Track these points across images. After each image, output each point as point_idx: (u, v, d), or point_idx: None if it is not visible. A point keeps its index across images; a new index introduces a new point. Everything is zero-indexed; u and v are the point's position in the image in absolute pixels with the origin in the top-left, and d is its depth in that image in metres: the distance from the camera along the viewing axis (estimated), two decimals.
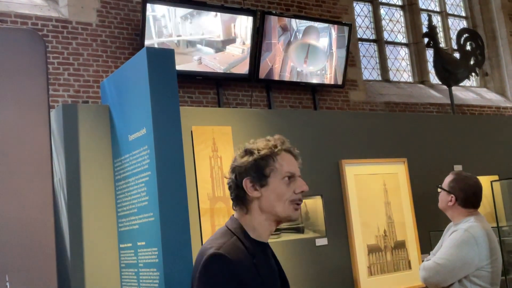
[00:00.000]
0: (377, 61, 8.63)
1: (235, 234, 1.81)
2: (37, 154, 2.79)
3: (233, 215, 1.92)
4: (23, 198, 2.72)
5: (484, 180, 3.41)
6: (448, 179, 3.08)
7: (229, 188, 1.88)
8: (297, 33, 6.88)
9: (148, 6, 5.74)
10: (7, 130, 2.76)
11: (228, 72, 6.37)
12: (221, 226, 3.48)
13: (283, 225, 3.80)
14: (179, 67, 5.85)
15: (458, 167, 4.75)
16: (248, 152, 1.85)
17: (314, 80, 7.01)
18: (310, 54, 6.94)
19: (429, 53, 8.73)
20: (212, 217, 3.52)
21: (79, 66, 5.65)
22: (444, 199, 3.07)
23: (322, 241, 4.02)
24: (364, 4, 8.69)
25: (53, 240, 2.74)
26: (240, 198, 1.84)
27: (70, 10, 5.72)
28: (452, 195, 3.02)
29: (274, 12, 6.79)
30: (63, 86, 5.54)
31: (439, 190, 3.12)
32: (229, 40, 6.40)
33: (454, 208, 3.04)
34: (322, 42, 7.07)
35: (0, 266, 2.61)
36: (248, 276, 1.72)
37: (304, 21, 6.98)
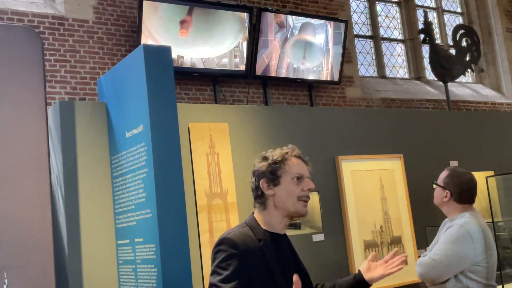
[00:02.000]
0: (373, 58, 8.64)
1: (247, 225, 2.13)
2: (35, 151, 2.80)
3: (252, 212, 2.22)
4: (21, 195, 2.73)
5: (480, 176, 3.43)
6: (443, 175, 3.10)
7: (252, 190, 2.20)
8: (293, 30, 6.89)
9: (145, 3, 5.73)
10: (4, 128, 2.77)
11: (224, 69, 6.37)
12: (218, 222, 3.52)
13: None
14: (175, 64, 5.86)
15: (454, 163, 4.77)
16: (264, 158, 2.18)
17: (311, 77, 7.02)
18: (307, 52, 6.95)
19: (425, 49, 8.73)
20: (209, 214, 3.53)
21: (75, 63, 5.65)
22: (439, 195, 3.08)
23: (319, 237, 4.04)
24: (360, 1, 8.70)
25: (51, 237, 2.75)
26: (259, 197, 2.16)
27: (67, 7, 5.71)
28: (447, 191, 3.03)
29: (270, 8, 6.79)
30: (60, 83, 5.53)
31: (434, 186, 3.14)
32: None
33: (449, 204, 3.05)
34: (318, 38, 7.08)
35: None
36: (253, 258, 2.00)
37: (301, 17, 6.98)
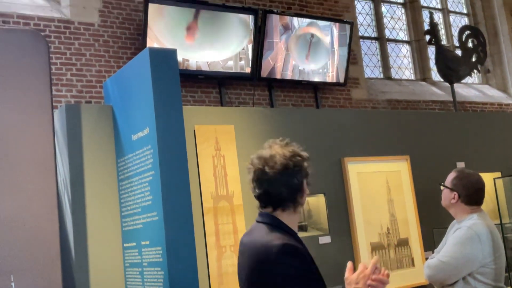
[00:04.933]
0: (379, 59, 8.61)
1: (283, 229, 1.99)
2: (41, 155, 2.80)
3: (265, 212, 2.06)
4: (28, 198, 2.73)
5: (487, 177, 3.41)
6: (451, 176, 3.08)
7: (287, 188, 1.99)
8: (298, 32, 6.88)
9: (150, 6, 5.74)
10: (10, 131, 2.77)
11: (230, 71, 6.37)
12: (224, 225, 3.46)
13: None
14: (181, 66, 5.86)
15: (460, 164, 4.75)
16: (298, 155, 2.03)
17: (316, 79, 7.01)
18: (312, 49, 6.93)
19: (431, 51, 8.71)
20: (215, 216, 3.53)
21: (81, 66, 5.66)
22: (447, 197, 3.07)
23: (325, 239, 4.03)
24: (366, 2, 8.68)
25: (58, 240, 2.75)
26: (287, 198, 2.00)
27: (72, 10, 5.72)
28: (455, 193, 3.02)
29: (275, 10, 6.78)
30: (66, 86, 5.54)
31: (442, 187, 3.12)
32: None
33: (457, 205, 3.03)
34: (323, 39, 7.07)
35: (5, 266, 2.62)
36: (309, 262, 1.95)
37: (306, 19, 6.98)
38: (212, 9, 6.21)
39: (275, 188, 1.99)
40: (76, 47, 5.67)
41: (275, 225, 2.00)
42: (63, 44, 5.60)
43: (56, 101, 5.30)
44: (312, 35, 6.93)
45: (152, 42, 5.76)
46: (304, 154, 2.04)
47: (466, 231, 2.91)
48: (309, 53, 6.89)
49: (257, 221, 2.08)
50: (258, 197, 2.06)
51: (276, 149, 2.05)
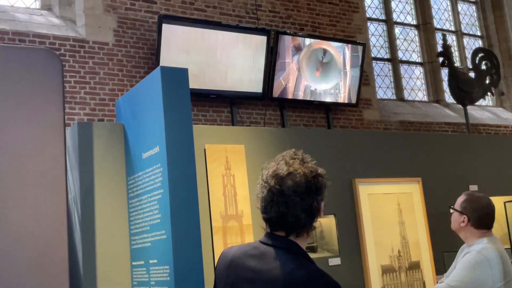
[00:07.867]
0: (392, 80, 8.61)
1: (305, 257, 1.78)
2: (52, 171, 2.82)
3: (279, 235, 1.80)
4: (38, 215, 2.74)
5: (498, 201, 3.37)
6: (461, 199, 3.05)
7: (293, 211, 1.75)
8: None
9: (164, 26, 5.81)
10: (23, 147, 2.80)
11: (242, 90, 6.40)
12: (234, 244, 3.43)
13: None
14: (192, 85, 5.90)
15: (473, 187, 4.70)
16: (320, 175, 1.82)
17: (328, 99, 7.02)
18: (324, 66, 6.94)
19: (444, 72, 8.69)
20: (224, 235, 3.52)
21: (95, 84, 5.72)
22: (457, 220, 3.03)
23: (335, 261, 3.99)
24: (379, 24, 8.71)
25: (67, 256, 2.76)
26: (305, 223, 1.77)
27: (87, 30, 5.81)
28: (465, 216, 2.98)
29: (288, 31, 6.83)
30: (79, 104, 5.60)
31: (451, 210, 3.09)
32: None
33: (466, 229, 3.00)
34: (336, 58, 7.09)
35: (14, 282, 2.63)
36: None
37: (318, 40, 7.01)
38: (226, 30, 6.27)
39: (293, 213, 1.74)
40: (90, 66, 5.74)
41: (300, 253, 1.76)
42: (78, 63, 5.68)
43: (70, 119, 5.36)
44: (325, 52, 6.95)
45: (165, 61, 5.81)
46: (323, 171, 1.84)
47: (475, 255, 2.87)
48: (321, 68, 6.90)
49: (269, 245, 1.79)
50: (269, 220, 1.79)
51: (295, 167, 1.83)
